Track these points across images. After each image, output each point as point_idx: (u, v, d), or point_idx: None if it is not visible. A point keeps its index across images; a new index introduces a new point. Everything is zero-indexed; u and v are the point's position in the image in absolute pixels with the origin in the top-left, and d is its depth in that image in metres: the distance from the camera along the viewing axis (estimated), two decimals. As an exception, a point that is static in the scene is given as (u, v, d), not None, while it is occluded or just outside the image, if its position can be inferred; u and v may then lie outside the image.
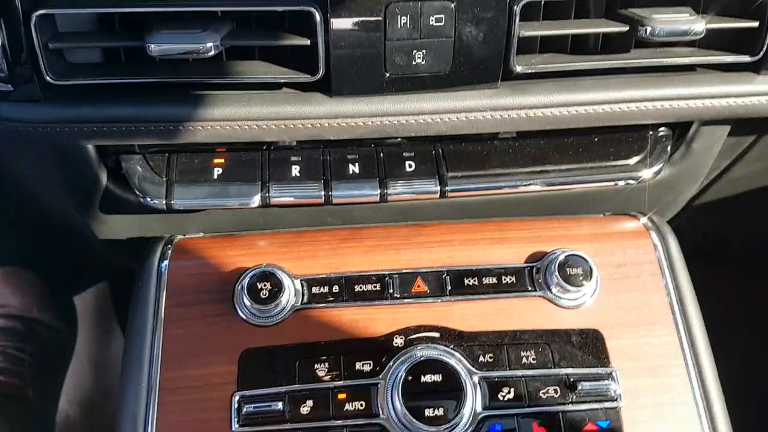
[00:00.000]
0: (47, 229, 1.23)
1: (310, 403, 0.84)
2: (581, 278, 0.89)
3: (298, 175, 0.87)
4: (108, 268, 1.81)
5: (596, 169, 0.90)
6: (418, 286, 0.91)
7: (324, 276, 0.91)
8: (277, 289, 0.86)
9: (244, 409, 0.83)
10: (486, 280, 0.92)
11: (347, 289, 0.90)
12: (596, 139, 0.91)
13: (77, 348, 1.79)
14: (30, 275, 1.64)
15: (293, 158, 0.88)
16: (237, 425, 0.83)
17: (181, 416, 0.83)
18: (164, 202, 0.87)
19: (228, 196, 0.87)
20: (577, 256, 0.90)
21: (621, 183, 0.91)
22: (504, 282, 0.92)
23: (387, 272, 0.92)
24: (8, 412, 1.44)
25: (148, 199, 0.88)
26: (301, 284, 0.90)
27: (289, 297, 0.88)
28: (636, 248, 0.94)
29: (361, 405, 0.84)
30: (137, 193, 0.88)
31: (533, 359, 0.87)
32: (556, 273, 0.89)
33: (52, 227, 1.19)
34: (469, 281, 0.91)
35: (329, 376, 0.85)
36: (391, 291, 0.91)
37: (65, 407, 1.80)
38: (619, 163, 0.91)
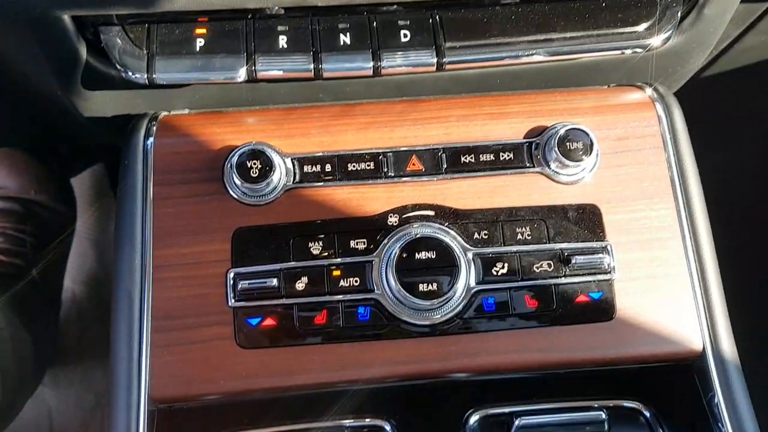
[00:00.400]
0: (36, 111, 1.20)
1: (305, 279, 0.84)
2: (581, 153, 0.86)
3: (285, 46, 0.82)
4: (103, 150, 1.79)
5: (603, 36, 0.85)
6: (413, 165, 0.89)
7: (316, 154, 0.88)
8: (268, 167, 0.84)
9: (240, 285, 0.83)
10: (483, 157, 0.89)
11: (340, 168, 0.88)
12: (603, 4, 0.85)
13: (78, 229, 1.80)
14: (24, 156, 1.62)
15: (280, 28, 0.83)
16: (233, 300, 0.84)
17: (176, 292, 0.84)
18: (146, 76, 0.83)
19: (212, 70, 0.83)
20: (578, 129, 0.87)
21: (628, 51, 0.86)
22: (501, 159, 0.89)
23: (381, 150, 0.89)
24: (16, 291, 1.47)
25: (130, 74, 0.84)
26: (293, 163, 0.88)
27: (281, 176, 0.86)
28: (639, 120, 0.91)
29: (356, 281, 0.85)
30: (118, 67, 0.84)
31: (528, 235, 0.87)
32: (556, 148, 0.86)
33: (40, 108, 1.15)
34: (466, 158, 0.89)
35: (324, 254, 0.85)
36: (385, 170, 0.88)
37: (70, 286, 1.85)
38: (627, 30, 0.85)
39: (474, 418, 0.90)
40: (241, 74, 0.83)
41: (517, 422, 0.88)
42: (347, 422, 0.89)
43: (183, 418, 0.87)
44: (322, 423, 0.90)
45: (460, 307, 0.84)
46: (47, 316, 1.63)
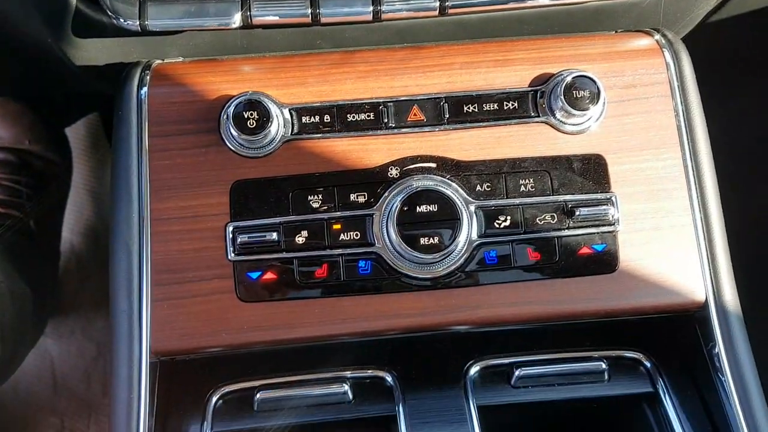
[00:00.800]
0: (28, 60, 1.17)
1: (305, 233, 0.83)
2: (588, 101, 0.84)
3: (281, -10, 0.79)
4: (97, 99, 1.75)
5: None
6: (415, 115, 0.87)
7: (314, 104, 0.86)
8: (265, 118, 0.82)
9: (239, 239, 0.82)
10: (486, 107, 0.87)
11: (339, 118, 0.86)
12: None
13: (74, 179, 1.79)
14: (17, 106, 1.59)
15: None
16: (233, 254, 0.83)
17: (175, 246, 0.83)
18: (138, 23, 0.81)
19: (206, 16, 0.80)
20: (585, 77, 0.84)
21: (636, -7, 0.83)
22: (506, 108, 0.87)
23: (381, 100, 0.87)
24: (11, 243, 1.46)
25: (121, 20, 0.81)
26: (290, 113, 0.85)
27: (278, 127, 0.84)
28: (647, 68, 0.88)
29: (356, 235, 0.84)
30: (109, 14, 0.81)
31: (532, 187, 0.85)
32: (562, 96, 0.84)
33: (32, 57, 1.12)
34: (469, 108, 0.87)
35: (323, 207, 0.84)
36: (385, 120, 0.86)
37: (69, 237, 1.84)
38: (636, -29, 0.82)
39: (474, 369, 0.90)
40: (236, 20, 0.80)
41: (517, 372, 0.89)
42: (348, 373, 0.90)
43: (186, 370, 0.88)
44: (323, 374, 0.90)
45: (461, 261, 0.84)
46: (46, 268, 1.63)
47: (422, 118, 0.87)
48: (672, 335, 0.90)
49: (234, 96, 0.83)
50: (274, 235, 0.83)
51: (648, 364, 0.90)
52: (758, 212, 1.20)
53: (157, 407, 0.83)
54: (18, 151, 1.57)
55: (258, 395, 0.87)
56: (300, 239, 0.83)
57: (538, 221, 0.85)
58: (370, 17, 0.82)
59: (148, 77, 0.87)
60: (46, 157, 1.63)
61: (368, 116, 0.86)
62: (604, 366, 0.89)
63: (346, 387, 0.88)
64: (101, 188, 1.89)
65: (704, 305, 0.85)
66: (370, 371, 0.91)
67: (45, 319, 1.63)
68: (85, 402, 1.68)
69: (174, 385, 0.87)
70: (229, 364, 0.90)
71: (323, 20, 0.82)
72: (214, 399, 0.88)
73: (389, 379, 0.90)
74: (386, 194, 0.84)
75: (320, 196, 0.84)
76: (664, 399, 0.88)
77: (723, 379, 0.84)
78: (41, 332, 1.62)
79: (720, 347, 0.84)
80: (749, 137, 1.24)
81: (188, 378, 0.88)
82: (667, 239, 0.85)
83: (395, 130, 0.86)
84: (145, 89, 0.86)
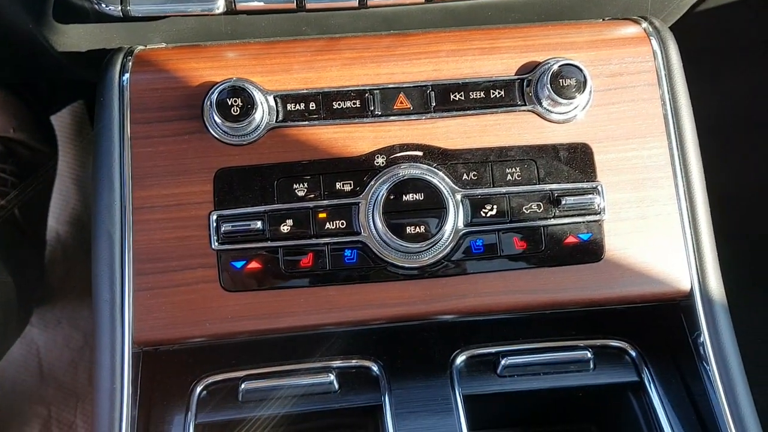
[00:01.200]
0: (11, 46, 1.15)
1: (290, 222, 0.83)
2: (574, 90, 0.83)
3: (265, -25, 0.78)
4: (83, 87, 1.74)
5: None
6: (401, 103, 0.86)
7: (299, 92, 0.85)
8: (249, 105, 0.81)
9: (223, 228, 0.81)
10: (473, 95, 0.86)
11: (325, 106, 0.85)
12: None
13: (60, 168, 1.77)
14: (1, 92, 1.57)
15: None
16: (217, 243, 0.82)
17: (158, 234, 0.82)
18: (119, 8, 0.79)
19: (189, 1, 0.79)
20: (572, 65, 0.83)
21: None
22: (492, 96, 0.86)
23: (367, 87, 0.86)
24: (-2, 232, 1.45)
25: (103, 6, 0.80)
26: (275, 100, 0.84)
27: (263, 114, 0.83)
28: (634, 56, 0.88)
29: (342, 224, 0.83)
30: (90, -1, 0.80)
31: (518, 176, 0.85)
32: (548, 85, 0.83)
33: (15, 43, 1.10)
34: (455, 96, 0.86)
35: (309, 196, 0.83)
36: (371, 108, 0.85)
37: (55, 226, 1.82)
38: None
39: (461, 358, 0.90)
40: (220, 5, 0.79)
41: (503, 362, 0.89)
42: (334, 363, 0.90)
43: (170, 360, 0.87)
44: (309, 364, 0.90)
45: (447, 250, 0.83)
46: (31, 257, 1.62)
47: (408, 106, 0.86)
48: (657, 324, 0.90)
49: (217, 83, 0.82)
50: (259, 224, 0.82)
51: (633, 353, 0.90)
52: (746, 200, 1.20)
53: (140, 397, 0.82)
54: (3, 139, 1.55)
55: (243, 386, 0.87)
56: (285, 228, 0.83)
57: (524, 210, 0.84)
58: (356, 3, 0.81)
59: (130, 63, 0.86)
60: (32, 145, 1.61)
61: (354, 104, 0.85)
62: (589, 355, 0.89)
63: (332, 377, 0.88)
64: (87, 177, 1.87)
65: (689, 294, 0.85)
66: (356, 361, 0.90)
67: (30, 309, 1.62)
68: (71, 391, 1.67)
69: (158, 375, 0.87)
70: (213, 354, 0.89)
71: (309, 6, 0.81)
72: (199, 389, 0.87)
73: (375, 368, 0.90)
74: (372, 183, 0.83)
75: (305, 185, 0.83)
76: (649, 388, 0.88)
77: (708, 368, 0.84)
78: (27, 322, 1.61)
79: (705, 336, 0.84)
80: (736, 126, 1.24)
81: (172, 368, 0.88)
82: (652, 228, 0.85)
83: (381, 118, 0.85)
84: (127, 75, 0.85)
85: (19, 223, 1.54)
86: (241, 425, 0.88)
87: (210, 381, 0.88)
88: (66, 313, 1.75)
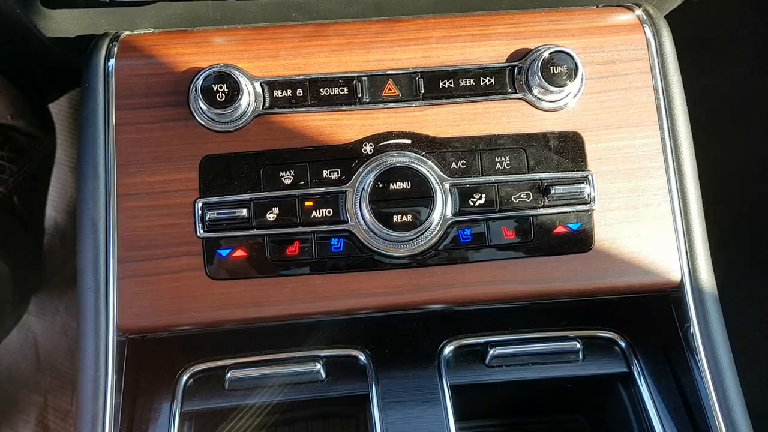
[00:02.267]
0: (1, 33, 1.14)
1: (276, 210, 0.82)
2: (565, 77, 0.82)
3: (252, -41, 0.77)
4: (78, 75, 1.73)
5: None
6: (389, 90, 0.85)
7: (286, 78, 0.84)
8: (235, 91, 0.80)
9: (208, 216, 0.81)
10: (462, 82, 0.85)
11: (312, 92, 0.84)
12: None
13: (58, 156, 1.76)
14: (-2, 80, 1.57)
15: None
16: (202, 231, 0.82)
17: (143, 222, 0.81)
18: None
19: None
20: (563, 52, 0.82)
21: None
22: (482, 84, 0.85)
23: (356, 74, 0.85)
24: (-5, 218, 1.45)
25: None
26: (262, 87, 0.84)
27: (249, 100, 0.82)
28: (627, 44, 0.87)
29: (329, 212, 0.82)
30: (77, -17, 0.79)
31: (507, 164, 0.84)
32: (539, 73, 0.82)
33: (5, 30, 1.10)
34: (444, 84, 0.85)
35: (295, 184, 0.82)
36: (360, 95, 0.84)
37: (53, 214, 1.82)
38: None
39: (449, 348, 0.90)
40: None
41: (491, 352, 0.88)
42: (321, 352, 0.89)
43: (155, 348, 0.87)
44: (296, 353, 0.89)
45: (435, 239, 0.82)
46: (29, 244, 1.61)
47: (397, 93, 0.85)
48: (647, 315, 0.89)
49: (203, 68, 0.81)
50: (244, 212, 0.81)
51: (623, 344, 0.89)
52: (737, 191, 1.19)
53: (125, 385, 0.82)
54: (0, 125, 1.55)
55: (229, 374, 0.87)
56: (271, 216, 0.82)
57: (513, 199, 0.83)
58: None
59: (115, 49, 0.85)
60: (29, 132, 1.60)
61: (342, 91, 0.84)
62: (578, 346, 0.88)
63: (319, 366, 0.87)
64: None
65: (680, 285, 0.84)
66: (343, 350, 0.90)
67: (28, 297, 1.62)
68: (68, 379, 1.67)
69: (144, 364, 0.87)
70: (200, 342, 0.89)
71: (297, -9, 0.80)
72: (185, 377, 0.87)
73: (362, 358, 0.89)
74: (360, 170, 0.83)
75: (292, 173, 0.83)
76: (638, 379, 0.87)
77: (697, 359, 0.83)
78: (24, 309, 1.61)
79: (695, 328, 0.83)
80: (730, 116, 1.22)
81: (158, 356, 0.87)
82: (643, 218, 0.84)
83: (370, 106, 0.84)
84: (112, 61, 0.84)
85: (17, 210, 1.54)
86: (227, 414, 0.88)
87: (196, 369, 0.88)
88: (63, 302, 1.75)
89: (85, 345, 0.80)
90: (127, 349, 0.82)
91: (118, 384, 0.80)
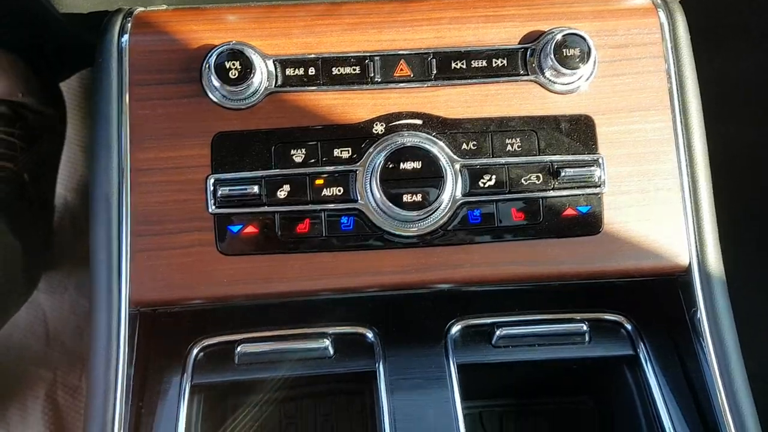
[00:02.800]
0: (15, 8, 1.15)
1: (287, 187, 0.83)
2: (578, 60, 0.82)
3: (266, -64, 0.77)
4: (90, 53, 1.73)
5: None
6: (401, 70, 0.85)
7: (299, 56, 0.84)
8: (248, 69, 0.80)
9: (220, 192, 0.81)
10: (475, 64, 0.85)
11: (324, 71, 0.84)
12: None
13: (68, 135, 1.77)
14: (9, 57, 1.57)
15: None
16: (214, 207, 0.82)
17: (155, 197, 0.82)
18: None
19: None
20: (576, 35, 0.82)
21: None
22: (494, 65, 0.85)
23: (368, 54, 0.85)
24: (6, 195, 1.46)
25: None
26: (274, 65, 0.84)
27: (261, 79, 0.82)
28: (641, 27, 0.86)
29: (339, 191, 0.83)
30: (90, -42, 0.79)
31: (518, 146, 0.84)
32: (552, 55, 0.82)
33: (19, 5, 1.10)
34: (457, 64, 0.85)
35: (306, 162, 0.83)
36: (371, 75, 0.85)
37: (63, 193, 1.83)
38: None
39: (456, 328, 0.90)
40: None
41: (498, 332, 0.89)
42: (330, 329, 0.90)
43: (166, 323, 0.88)
44: (305, 329, 0.90)
45: (444, 219, 0.83)
46: (39, 222, 1.63)
47: (409, 73, 0.85)
48: (655, 299, 0.89)
49: (216, 46, 0.82)
50: (256, 189, 0.82)
51: (629, 327, 0.90)
52: (748, 176, 1.18)
53: (137, 358, 0.83)
54: (11, 103, 1.55)
55: (239, 348, 0.88)
56: (282, 194, 0.82)
57: (523, 181, 0.84)
58: None
59: (129, 25, 0.85)
60: (40, 110, 1.61)
61: (354, 70, 0.84)
62: (585, 328, 0.89)
63: (327, 342, 0.88)
64: (96, 145, 1.87)
65: (688, 270, 0.84)
66: (351, 328, 0.91)
67: (37, 274, 1.63)
68: (77, 356, 1.69)
69: (155, 337, 0.88)
70: (210, 318, 0.90)
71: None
72: (195, 351, 0.88)
73: (370, 335, 0.90)
74: (370, 150, 0.83)
75: (303, 151, 0.83)
76: (644, 363, 0.88)
77: (703, 344, 0.83)
78: (34, 286, 1.62)
79: (702, 312, 0.84)
80: (741, 102, 1.21)
81: (169, 330, 0.89)
82: (653, 202, 0.84)
83: (381, 85, 0.85)
84: (126, 37, 0.84)
85: (27, 187, 1.55)
86: (236, 387, 0.89)
87: (206, 343, 0.89)
88: (73, 280, 1.76)
89: (98, 317, 0.81)
90: (139, 323, 0.84)
91: (129, 356, 0.81)
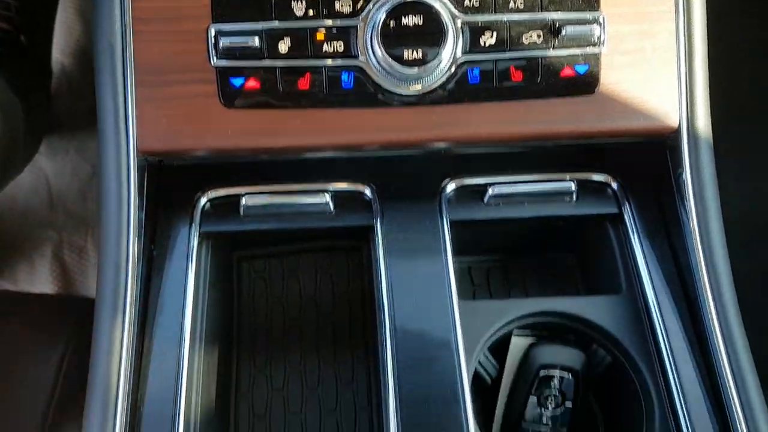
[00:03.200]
0: None
1: (287, 40, 0.83)
2: None
3: None
4: None
5: None
6: None
7: None
8: None
9: (221, 43, 0.82)
10: None
11: None
12: None
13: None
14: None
15: None
16: (216, 58, 0.83)
17: (157, 47, 0.82)
18: None
19: None
20: None
21: None
22: None
23: None
24: (4, 55, 1.44)
25: None
26: None
27: None
28: None
29: (340, 46, 0.83)
30: None
31: (521, 3, 0.83)
32: None
33: None
34: None
35: (307, 15, 0.83)
36: None
37: (59, 58, 1.81)
38: None
39: (451, 187, 0.94)
40: None
41: (490, 191, 0.92)
42: (330, 186, 0.93)
43: (173, 175, 0.91)
44: (307, 185, 0.94)
45: (444, 78, 0.84)
46: (37, 83, 1.62)
47: None
48: (643, 161, 0.93)
49: None
50: (257, 41, 0.82)
51: (615, 187, 0.94)
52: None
53: (146, 207, 0.86)
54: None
55: (244, 200, 0.91)
56: (282, 47, 0.83)
57: (523, 39, 0.84)
58: None
59: None
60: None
61: None
62: (573, 187, 0.92)
63: (328, 198, 0.92)
64: (90, 9, 1.83)
65: (677, 131, 0.86)
66: (350, 185, 0.94)
67: (38, 136, 1.65)
68: (82, 219, 1.73)
69: (162, 189, 0.91)
70: (215, 174, 0.93)
71: None
72: (203, 201, 0.92)
73: (368, 192, 0.94)
74: (371, 5, 0.82)
75: (304, 3, 0.83)
76: (627, 221, 0.92)
77: (686, 205, 0.87)
78: (36, 149, 1.64)
79: (687, 174, 0.87)
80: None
81: (176, 182, 0.92)
82: (648, 62, 0.85)
83: None
84: None
85: (25, 49, 1.53)
86: (241, 237, 0.94)
87: (213, 195, 0.92)
88: (74, 144, 1.77)
89: (107, 165, 0.84)
90: (147, 175, 0.86)
91: (140, 202, 0.84)
